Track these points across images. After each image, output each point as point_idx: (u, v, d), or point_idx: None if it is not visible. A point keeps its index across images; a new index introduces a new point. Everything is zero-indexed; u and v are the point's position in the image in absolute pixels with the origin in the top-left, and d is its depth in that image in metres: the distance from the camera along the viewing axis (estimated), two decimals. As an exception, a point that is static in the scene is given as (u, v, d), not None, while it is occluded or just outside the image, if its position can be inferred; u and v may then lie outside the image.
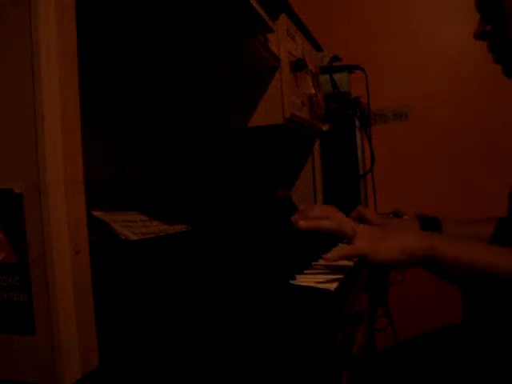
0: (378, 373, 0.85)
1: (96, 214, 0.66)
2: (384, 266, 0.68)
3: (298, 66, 1.07)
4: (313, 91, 1.18)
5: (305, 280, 0.64)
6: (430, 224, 0.96)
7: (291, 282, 0.62)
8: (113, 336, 0.40)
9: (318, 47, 1.37)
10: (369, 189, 1.68)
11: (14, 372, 0.34)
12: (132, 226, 0.69)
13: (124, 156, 0.93)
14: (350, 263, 0.75)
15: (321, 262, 0.79)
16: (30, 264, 0.33)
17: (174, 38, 0.82)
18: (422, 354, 0.83)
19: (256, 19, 0.79)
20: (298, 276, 0.66)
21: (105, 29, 0.76)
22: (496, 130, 1.99)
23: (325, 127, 1.35)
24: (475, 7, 0.83)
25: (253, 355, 0.39)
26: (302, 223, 0.70)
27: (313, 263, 0.76)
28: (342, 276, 0.66)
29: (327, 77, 1.50)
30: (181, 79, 1.06)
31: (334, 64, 1.56)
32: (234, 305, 0.51)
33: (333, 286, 0.60)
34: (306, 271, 0.70)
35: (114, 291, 0.45)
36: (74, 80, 0.36)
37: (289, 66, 1.03)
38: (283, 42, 1.02)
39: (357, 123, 1.54)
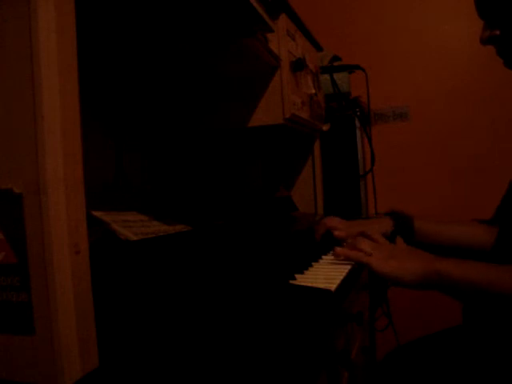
0: (379, 378, 0.85)
1: (96, 214, 0.66)
2: (385, 279, 0.75)
3: (298, 65, 1.07)
4: (313, 91, 1.18)
5: (305, 280, 0.64)
6: (401, 222, 0.97)
7: (291, 282, 0.62)
8: (113, 336, 0.40)
9: (318, 47, 1.37)
10: (369, 189, 1.68)
11: (13, 372, 0.34)
12: (132, 226, 0.69)
13: (124, 156, 0.93)
14: (350, 265, 0.75)
15: (321, 262, 0.79)
16: (29, 264, 0.33)
17: (173, 38, 0.82)
18: (424, 358, 0.83)
19: (256, 19, 0.79)
20: (298, 276, 0.66)
21: (104, 29, 0.76)
22: (496, 129, 2.00)
23: (325, 127, 1.35)
24: (477, 13, 0.81)
25: (252, 355, 0.39)
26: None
27: (313, 263, 0.76)
28: (342, 276, 0.66)
29: (327, 77, 1.50)
30: (181, 79, 1.06)
31: (334, 64, 1.56)
32: (234, 305, 0.51)
33: (333, 286, 0.60)
34: (306, 271, 0.70)
35: (114, 291, 0.45)
36: (73, 80, 0.36)
37: (289, 65, 1.03)
38: (283, 42, 1.02)
39: (357, 123, 1.54)
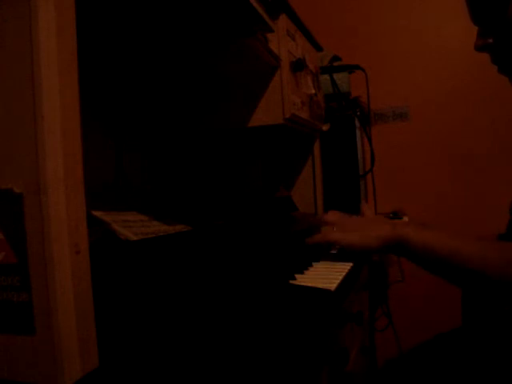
0: None
1: (96, 213, 0.66)
2: (357, 251, 0.80)
3: (298, 65, 1.07)
4: (313, 91, 1.18)
5: (305, 280, 0.64)
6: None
7: (291, 282, 0.62)
8: (113, 336, 0.40)
9: (318, 47, 1.37)
10: (369, 189, 1.68)
11: (13, 372, 0.34)
12: (132, 226, 0.69)
13: (124, 156, 0.93)
14: (350, 264, 0.75)
15: (321, 261, 0.79)
16: (29, 264, 0.33)
17: (174, 38, 0.82)
18: (425, 366, 0.82)
19: (256, 19, 0.79)
20: (298, 276, 0.66)
21: (105, 29, 0.76)
22: (496, 129, 2.00)
23: (325, 127, 1.35)
24: (471, 20, 0.81)
25: (252, 355, 0.39)
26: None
27: (313, 263, 0.76)
28: (341, 276, 0.66)
29: (327, 77, 1.50)
30: (181, 79, 1.06)
31: (334, 64, 1.56)
32: (234, 305, 0.51)
33: (333, 286, 0.60)
34: (306, 271, 0.70)
35: (114, 291, 0.45)
36: (73, 80, 0.36)
37: (289, 65, 1.03)
38: (283, 42, 1.01)
39: (357, 123, 1.54)
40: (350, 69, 1.59)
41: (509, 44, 0.75)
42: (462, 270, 0.67)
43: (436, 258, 0.69)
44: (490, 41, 0.78)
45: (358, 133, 1.55)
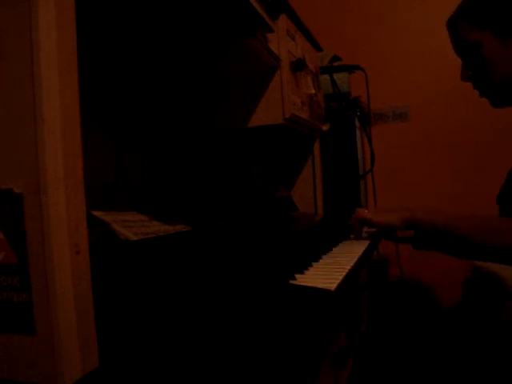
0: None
1: (96, 213, 0.66)
2: (382, 228, 1.04)
3: (298, 66, 1.07)
4: (313, 91, 1.18)
5: (305, 280, 0.64)
6: None
7: (291, 281, 0.62)
8: (113, 336, 0.40)
9: (318, 47, 1.37)
10: (369, 189, 1.68)
11: (13, 372, 0.34)
12: (132, 226, 0.69)
13: (124, 156, 0.93)
14: (350, 264, 0.75)
15: (321, 261, 0.79)
16: (29, 264, 0.33)
17: (174, 38, 0.82)
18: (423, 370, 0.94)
19: (256, 19, 0.79)
20: (298, 276, 0.66)
21: (105, 29, 0.76)
22: (496, 129, 2.00)
23: (325, 127, 1.35)
24: (455, 52, 1.03)
25: (252, 355, 0.39)
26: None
27: (313, 263, 0.76)
28: (342, 276, 0.66)
29: (327, 77, 1.50)
30: (181, 79, 1.06)
31: (334, 64, 1.56)
32: (234, 305, 0.51)
33: (333, 286, 0.60)
34: (306, 271, 0.70)
35: (114, 291, 0.45)
36: (73, 80, 0.36)
37: (289, 65, 1.03)
38: (283, 42, 1.02)
39: (357, 123, 1.54)
40: (350, 69, 1.59)
41: (484, 77, 0.97)
42: (456, 239, 0.91)
43: (439, 232, 0.92)
44: (470, 73, 1.00)
45: (358, 133, 1.55)
